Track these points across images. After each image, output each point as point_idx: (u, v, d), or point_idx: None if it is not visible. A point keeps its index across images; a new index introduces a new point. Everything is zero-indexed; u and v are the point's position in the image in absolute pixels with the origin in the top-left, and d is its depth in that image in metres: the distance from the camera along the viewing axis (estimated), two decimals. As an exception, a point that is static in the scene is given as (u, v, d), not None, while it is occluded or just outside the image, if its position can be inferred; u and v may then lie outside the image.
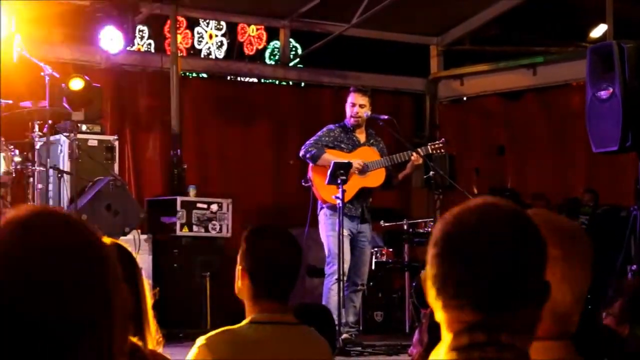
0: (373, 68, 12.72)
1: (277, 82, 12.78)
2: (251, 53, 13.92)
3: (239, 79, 12.92)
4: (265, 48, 13.93)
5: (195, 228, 9.67)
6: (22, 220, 1.48)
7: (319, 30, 12.29)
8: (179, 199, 9.76)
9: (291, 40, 12.85)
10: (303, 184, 8.36)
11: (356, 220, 8.22)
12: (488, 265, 1.61)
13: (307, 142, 8.31)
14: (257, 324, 3.17)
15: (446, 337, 1.63)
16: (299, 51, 13.38)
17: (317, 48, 12.44)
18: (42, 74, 8.55)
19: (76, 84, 9.40)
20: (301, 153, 8.29)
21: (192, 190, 10.07)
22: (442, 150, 8.50)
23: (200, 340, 3.15)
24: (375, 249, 9.74)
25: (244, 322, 3.20)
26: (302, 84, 13.03)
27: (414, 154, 8.25)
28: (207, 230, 9.71)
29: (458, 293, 1.62)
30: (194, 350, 3.15)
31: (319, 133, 8.37)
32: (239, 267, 3.26)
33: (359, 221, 8.25)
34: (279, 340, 3.16)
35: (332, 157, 8.13)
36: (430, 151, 8.41)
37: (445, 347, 1.62)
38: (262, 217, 10.81)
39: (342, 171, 7.79)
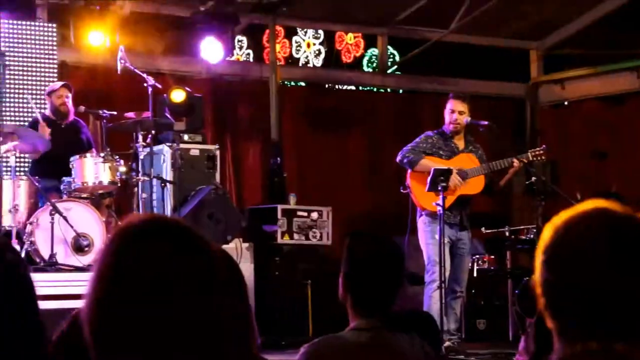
0: (472, 73, 12.62)
1: (375, 90, 12.77)
2: (349, 61, 13.93)
3: (337, 87, 12.95)
4: (363, 55, 13.92)
5: (295, 236, 9.71)
6: (137, 227, 1.51)
7: (417, 37, 12.25)
8: (280, 207, 9.81)
9: (389, 47, 12.84)
10: (402, 190, 8.33)
11: (455, 228, 8.16)
12: (599, 274, 1.58)
13: (405, 148, 8.29)
14: (359, 331, 3.17)
15: (558, 345, 1.60)
16: (397, 58, 13.36)
17: (415, 54, 12.40)
18: (144, 85, 8.71)
19: (178, 95, 9.55)
20: (398, 158, 8.27)
21: (292, 199, 10.12)
22: (543, 157, 8.38)
23: (304, 348, 3.17)
24: (477, 256, 9.65)
25: (346, 329, 3.21)
26: (400, 91, 13.00)
27: (515, 161, 8.15)
28: (307, 238, 9.75)
29: (568, 301, 1.59)
30: (298, 358, 3.17)
31: (417, 139, 8.34)
32: (341, 274, 3.27)
33: (459, 228, 8.19)
34: (381, 347, 3.15)
35: (430, 162, 8.09)
36: (531, 158, 8.30)
37: (557, 356, 1.60)
38: (361, 225, 10.80)
39: (442, 177, 7.73)
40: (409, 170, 8.22)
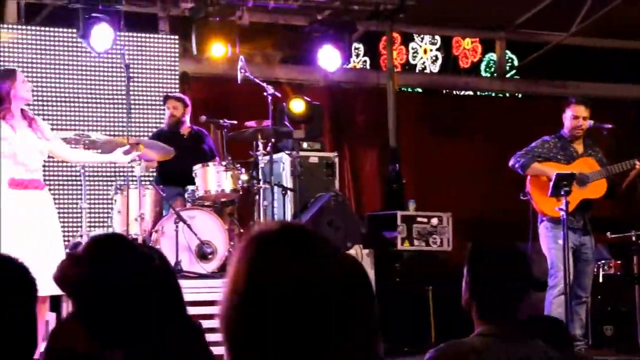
0: (593, 76, 12.39)
1: (493, 95, 12.65)
2: (466, 66, 13.83)
3: (454, 92, 12.89)
4: (480, 60, 13.80)
5: (415, 242, 9.70)
6: (267, 235, 1.55)
7: (536, 41, 12.09)
8: (399, 213, 9.81)
9: (507, 51, 12.71)
10: (521, 197, 8.24)
11: (579, 232, 8.04)
12: None
13: (518, 152, 8.22)
14: (484, 337, 3.15)
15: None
16: (515, 62, 13.21)
17: (534, 58, 12.25)
18: (264, 94, 8.82)
19: (297, 104, 9.66)
20: (511, 163, 8.19)
21: (411, 205, 10.11)
22: (667, 159, 8.19)
23: (430, 353, 3.16)
24: (602, 262, 9.48)
25: (471, 335, 3.19)
26: (519, 96, 12.85)
27: (637, 163, 7.99)
28: (427, 244, 9.72)
29: None
30: (425, 363, 3.17)
31: (533, 144, 8.26)
32: (465, 281, 3.26)
33: (582, 233, 8.07)
34: (508, 353, 3.13)
35: (541, 166, 8.01)
36: (654, 159, 8.12)
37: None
38: (481, 231, 10.71)
39: (565, 182, 7.63)
40: (529, 177, 8.14)
